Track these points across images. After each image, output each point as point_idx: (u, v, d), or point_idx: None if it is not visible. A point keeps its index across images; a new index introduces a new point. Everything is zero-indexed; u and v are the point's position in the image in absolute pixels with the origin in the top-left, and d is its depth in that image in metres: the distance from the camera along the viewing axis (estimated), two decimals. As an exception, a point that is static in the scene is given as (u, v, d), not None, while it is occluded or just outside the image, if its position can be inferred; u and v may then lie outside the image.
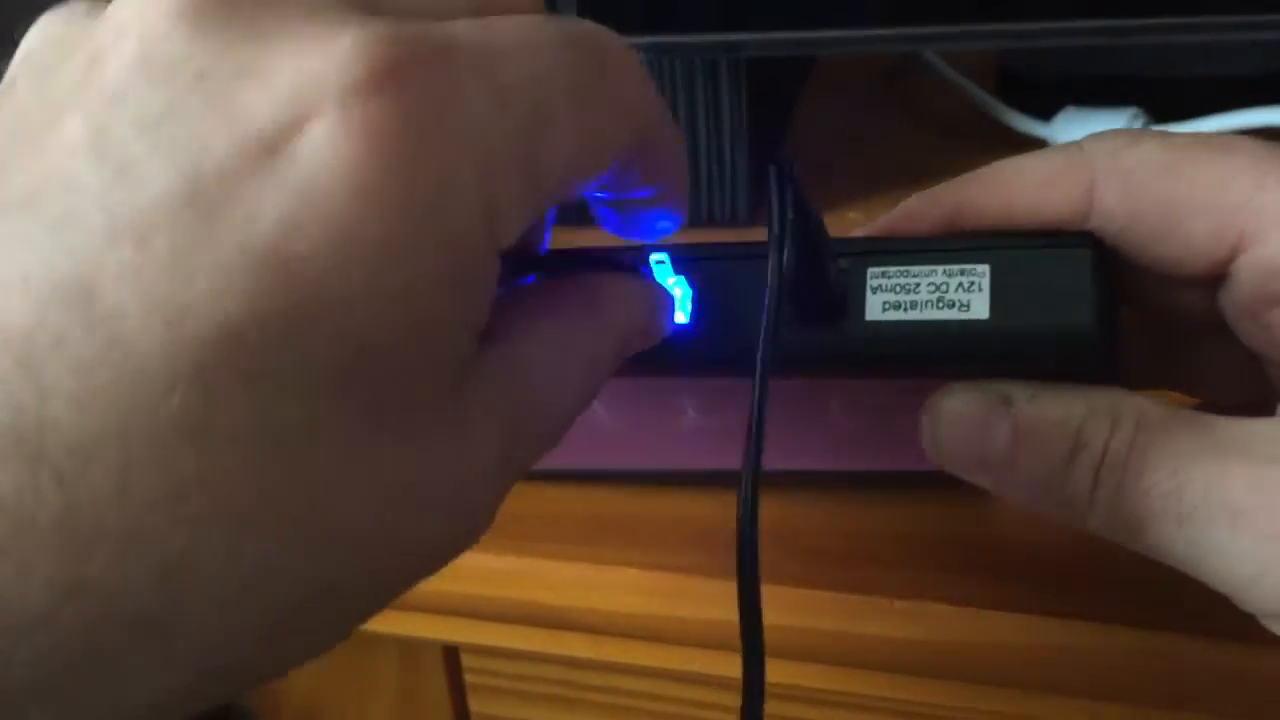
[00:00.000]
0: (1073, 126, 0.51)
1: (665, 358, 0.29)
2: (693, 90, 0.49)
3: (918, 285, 0.28)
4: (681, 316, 0.29)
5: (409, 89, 0.20)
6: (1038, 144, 0.52)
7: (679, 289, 0.29)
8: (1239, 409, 0.28)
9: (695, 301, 0.29)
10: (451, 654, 0.43)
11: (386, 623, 0.25)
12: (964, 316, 0.27)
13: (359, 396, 0.20)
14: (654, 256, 0.29)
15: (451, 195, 0.20)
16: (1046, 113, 0.52)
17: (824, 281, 0.28)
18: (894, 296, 0.28)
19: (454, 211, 0.20)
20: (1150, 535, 0.26)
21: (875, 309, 0.28)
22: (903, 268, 0.28)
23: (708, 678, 0.38)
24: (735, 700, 0.27)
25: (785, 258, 0.26)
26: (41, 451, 0.17)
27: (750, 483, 0.26)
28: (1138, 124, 0.50)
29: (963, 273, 0.28)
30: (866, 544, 0.36)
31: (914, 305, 0.28)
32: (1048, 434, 0.27)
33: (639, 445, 0.36)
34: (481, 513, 0.23)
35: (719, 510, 0.34)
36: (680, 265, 0.29)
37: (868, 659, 0.35)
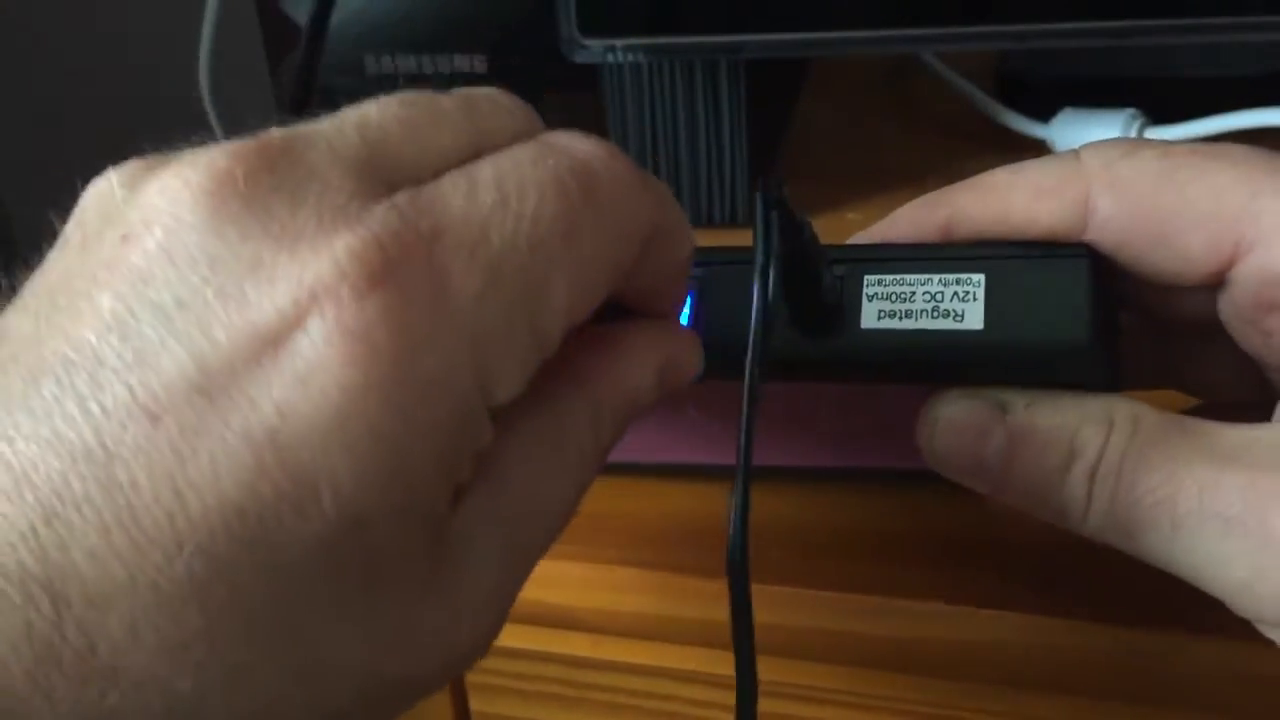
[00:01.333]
0: (1071, 128, 0.51)
1: None
2: (693, 90, 0.49)
3: (913, 294, 0.28)
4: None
5: (402, 289, 0.21)
6: (1037, 145, 0.52)
7: None
8: (1238, 410, 0.28)
9: (694, 307, 0.29)
10: (452, 653, 0.43)
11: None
12: (959, 326, 0.28)
13: (350, 563, 0.22)
14: None
15: (442, 385, 0.22)
16: (1045, 114, 0.52)
17: (819, 290, 0.28)
18: (889, 305, 0.28)
19: (445, 398, 0.22)
20: (1145, 541, 0.27)
21: (870, 317, 0.28)
22: (898, 276, 0.28)
23: (708, 677, 0.38)
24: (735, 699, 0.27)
25: (770, 287, 0.26)
26: (65, 597, 0.20)
27: (740, 516, 0.26)
28: (1136, 124, 0.50)
29: (958, 282, 0.28)
30: (865, 543, 0.36)
31: (909, 314, 0.28)
32: (1042, 441, 0.27)
33: (637, 440, 0.36)
34: (485, 628, 0.25)
35: (720, 509, 0.34)
36: None
37: (867, 658, 0.35)
